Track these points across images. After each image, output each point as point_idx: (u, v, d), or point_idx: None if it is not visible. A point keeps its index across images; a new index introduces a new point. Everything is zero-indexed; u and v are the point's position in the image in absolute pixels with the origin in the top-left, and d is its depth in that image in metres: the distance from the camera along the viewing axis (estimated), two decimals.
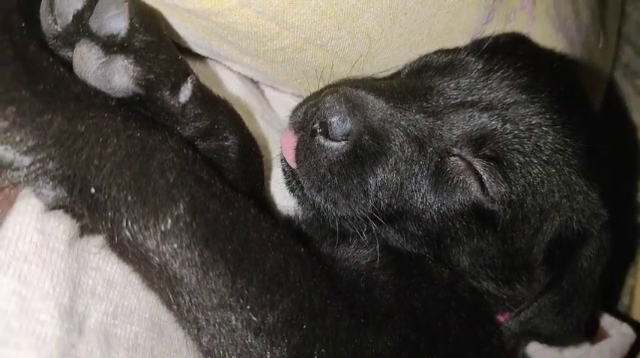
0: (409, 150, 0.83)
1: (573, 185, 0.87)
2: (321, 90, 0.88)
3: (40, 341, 0.60)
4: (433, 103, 0.86)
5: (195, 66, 0.94)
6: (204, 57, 0.99)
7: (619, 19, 1.67)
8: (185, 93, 0.74)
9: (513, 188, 0.83)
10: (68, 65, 0.68)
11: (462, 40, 1.02)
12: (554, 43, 1.13)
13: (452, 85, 0.88)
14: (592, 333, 1.22)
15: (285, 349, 0.65)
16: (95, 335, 0.66)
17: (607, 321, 1.26)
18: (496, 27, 1.04)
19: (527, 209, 0.85)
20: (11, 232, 0.61)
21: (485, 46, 0.93)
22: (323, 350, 0.67)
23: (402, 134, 0.82)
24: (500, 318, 0.95)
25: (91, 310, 0.67)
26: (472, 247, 0.88)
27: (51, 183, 0.59)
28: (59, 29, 0.68)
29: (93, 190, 0.59)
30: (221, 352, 0.65)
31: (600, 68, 1.45)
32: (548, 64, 0.96)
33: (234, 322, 0.63)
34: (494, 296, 0.94)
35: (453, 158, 0.84)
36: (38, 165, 0.58)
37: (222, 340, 0.64)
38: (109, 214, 0.59)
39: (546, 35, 1.12)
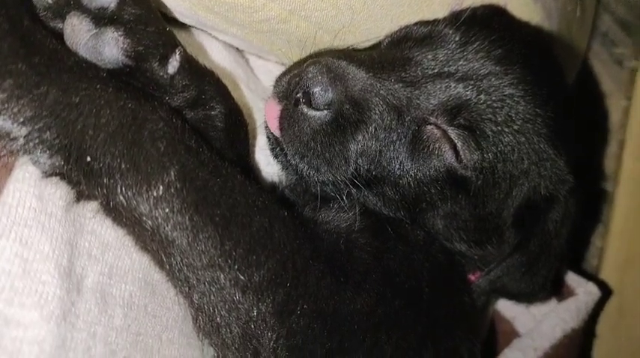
0: (388, 118, 0.86)
1: (542, 153, 0.91)
2: (304, 60, 0.90)
3: (42, 300, 0.63)
4: (411, 73, 0.89)
5: (180, 35, 0.95)
6: (189, 26, 1.00)
7: None
8: (173, 64, 0.75)
9: (485, 155, 0.87)
10: (59, 37, 0.69)
11: (441, 11, 1.04)
12: (532, 13, 1.15)
13: (430, 56, 0.91)
14: (559, 291, 1.29)
15: (270, 305, 0.69)
16: (92, 293, 0.69)
17: (574, 280, 1.31)
18: None
19: (498, 175, 0.89)
20: (11, 198, 0.64)
21: (463, 18, 0.95)
22: (305, 306, 0.71)
23: (381, 103, 0.85)
24: (472, 277, 1.00)
25: (88, 271, 0.70)
26: (446, 211, 0.92)
27: (48, 151, 0.61)
28: (49, 1, 0.69)
29: (88, 158, 0.61)
30: (211, 308, 0.69)
31: (578, 38, 1.47)
32: (523, 36, 0.99)
33: (222, 281, 0.66)
34: (467, 256, 0.99)
35: (429, 126, 0.88)
36: (35, 134, 0.59)
37: (212, 297, 0.68)
38: (105, 181, 0.62)
39: (524, 5, 1.13)
